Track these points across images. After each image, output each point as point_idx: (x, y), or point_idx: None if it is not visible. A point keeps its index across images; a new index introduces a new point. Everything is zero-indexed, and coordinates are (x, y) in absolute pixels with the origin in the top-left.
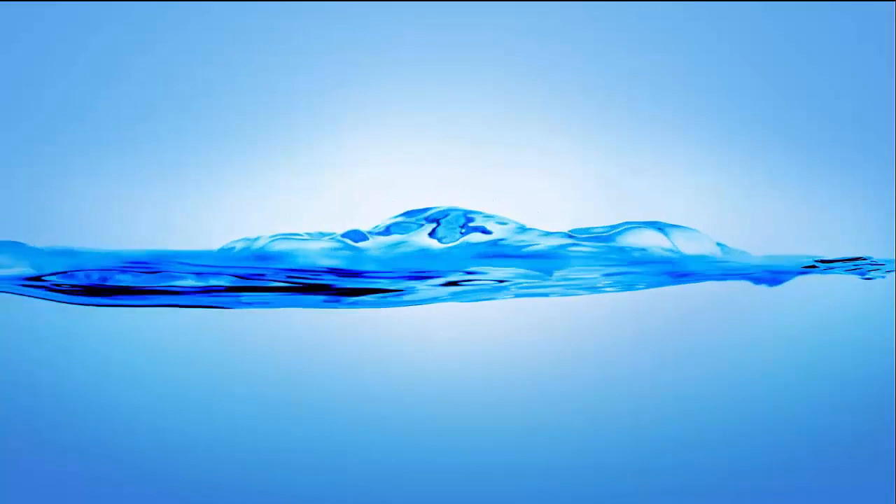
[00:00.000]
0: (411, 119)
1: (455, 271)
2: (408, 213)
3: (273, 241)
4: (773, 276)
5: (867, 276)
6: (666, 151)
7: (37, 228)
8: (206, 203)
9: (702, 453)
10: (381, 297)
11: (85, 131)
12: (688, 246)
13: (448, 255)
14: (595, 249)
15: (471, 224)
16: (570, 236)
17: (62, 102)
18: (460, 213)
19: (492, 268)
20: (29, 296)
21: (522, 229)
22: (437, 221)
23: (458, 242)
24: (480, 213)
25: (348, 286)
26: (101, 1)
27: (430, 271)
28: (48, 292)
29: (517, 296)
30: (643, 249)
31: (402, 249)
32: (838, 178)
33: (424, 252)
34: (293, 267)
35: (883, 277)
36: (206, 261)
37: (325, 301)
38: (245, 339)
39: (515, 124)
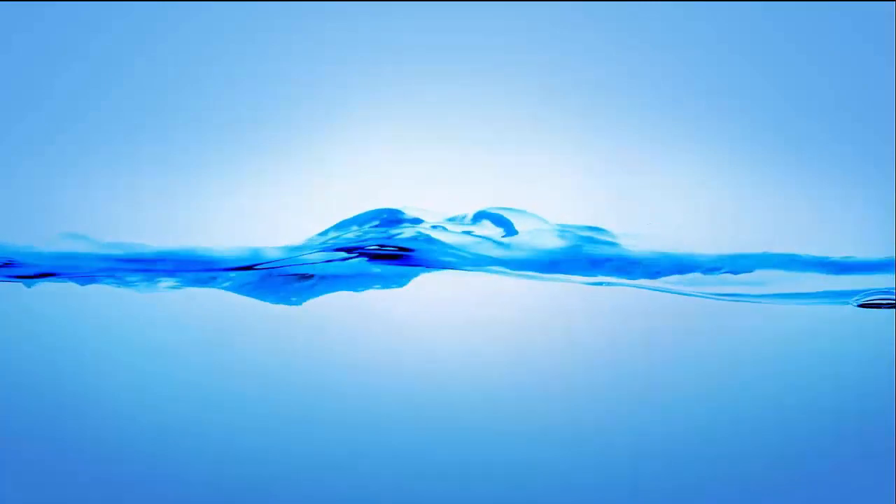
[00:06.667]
0: (410, 119)
1: None
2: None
3: None
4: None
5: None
6: (664, 151)
7: (37, 228)
8: (205, 203)
9: (701, 453)
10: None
11: (85, 131)
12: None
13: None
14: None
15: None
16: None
17: (62, 102)
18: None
19: None
20: None
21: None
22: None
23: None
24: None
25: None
26: (102, 1)
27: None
28: None
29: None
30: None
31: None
32: (838, 177)
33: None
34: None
35: None
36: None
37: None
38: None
39: (515, 125)
